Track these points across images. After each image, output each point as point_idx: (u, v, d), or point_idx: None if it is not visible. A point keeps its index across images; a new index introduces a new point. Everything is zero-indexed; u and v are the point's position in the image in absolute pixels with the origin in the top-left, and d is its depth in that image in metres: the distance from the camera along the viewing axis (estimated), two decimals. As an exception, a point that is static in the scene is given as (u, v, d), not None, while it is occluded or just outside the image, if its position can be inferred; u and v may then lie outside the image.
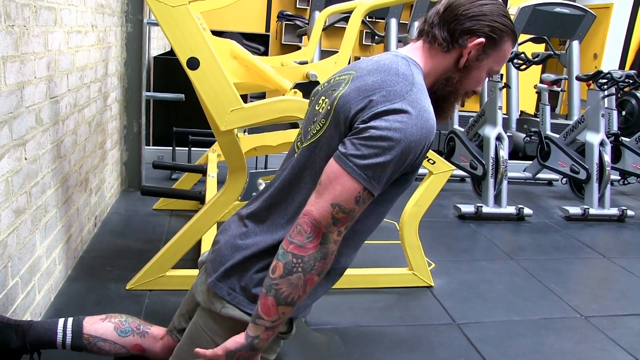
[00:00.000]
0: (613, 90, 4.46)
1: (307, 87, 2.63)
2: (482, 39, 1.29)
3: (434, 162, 2.83)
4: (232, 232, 1.45)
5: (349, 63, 2.96)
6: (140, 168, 4.23)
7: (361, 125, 1.19)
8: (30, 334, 1.77)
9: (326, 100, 1.33)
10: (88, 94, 3.05)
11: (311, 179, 1.28)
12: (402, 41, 6.49)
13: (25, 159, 2.14)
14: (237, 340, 1.28)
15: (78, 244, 2.95)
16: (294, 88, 2.64)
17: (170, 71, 5.17)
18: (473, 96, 1.44)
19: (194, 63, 2.38)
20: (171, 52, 6.37)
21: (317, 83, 2.70)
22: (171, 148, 4.82)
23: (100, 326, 1.78)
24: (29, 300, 2.22)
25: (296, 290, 1.20)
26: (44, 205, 2.38)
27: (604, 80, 4.31)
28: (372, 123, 1.17)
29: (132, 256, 3.03)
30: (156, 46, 5.58)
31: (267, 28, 8.31)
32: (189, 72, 2.41)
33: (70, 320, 1.79)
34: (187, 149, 4.76)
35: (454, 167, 2.89)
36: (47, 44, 2.35)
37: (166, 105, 5.14)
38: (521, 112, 7.07)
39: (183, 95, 4.43)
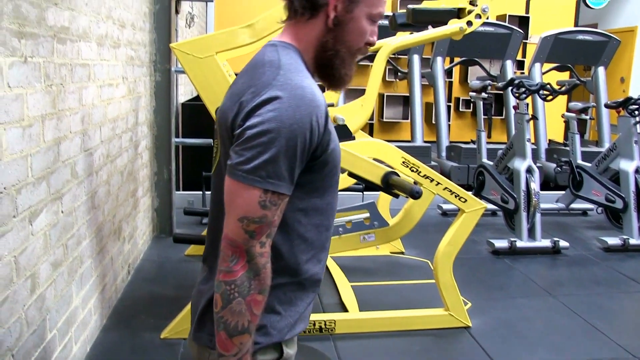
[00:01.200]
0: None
1: (335, 131, 2.64)
2: None
3: (465, 200, 2.80)
4: (199, 279, 1.43)
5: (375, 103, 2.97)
6: (171, 214, 4.28)
7: (238, 130, 1.13)
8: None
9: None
10: (120, 144, 3.11)
11: None
12: (425, 77, 6.53)
13: (62, 212, 2.18)
14: None
15: (112, 292, 2.97)
16: (321, 132, 2.65)
17: (198, 116, 5.25)
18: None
19: (223, 111, 2.41)
20: (198, 98, 6.50)
21: (345, 127, 2.71)
22: (201, 192, 4.86)
23: None
24: (66, 352, 2.22)
25: (242, 316, 1.13)
26: (80, 256, 2.41)
27: (635, 107, 4.25)
28: (246, 124, 1.12)
29: (166, 304, 3.03)
30: (183, 92, 5.71)
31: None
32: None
33: None
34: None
35: (485, 205, 2.86)
36: (82, 99, 2.41)
37: (195, 150, 5.22)
38: (549, 140, 6.99)
39: (212, 140, 4.49)
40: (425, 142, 6.66)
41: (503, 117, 8.13)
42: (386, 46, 2.85)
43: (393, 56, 7.38)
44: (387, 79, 8.44)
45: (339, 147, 1.28)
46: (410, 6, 2.93)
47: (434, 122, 7.06)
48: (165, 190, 4.23)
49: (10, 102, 1.73)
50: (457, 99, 8.76)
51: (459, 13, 2.92)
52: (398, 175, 2.59)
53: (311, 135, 1.13)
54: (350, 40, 1.25)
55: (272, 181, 1.10)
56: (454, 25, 2.81)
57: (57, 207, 2.12)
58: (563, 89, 4.21)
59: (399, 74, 6.79)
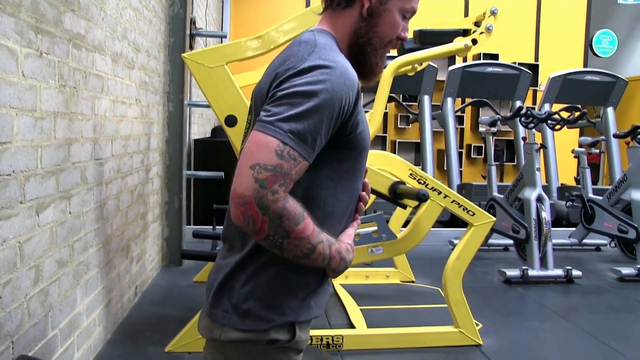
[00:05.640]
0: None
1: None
2: None
3: (474, 214, 2.79)
4: (218, 257, 1.42)
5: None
6: (181, 244, 4.28)
7: (270, 94, 1.17)
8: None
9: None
10: (131, 163, 3.16)
11: None
12: (437, 118, 6.61)
13: (70, 212, 2.21)
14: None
15: (118, 309, 2.94)
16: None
17: (210, 153, 5.33)
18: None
19: (231, 120, 2.47)
20: (212, 135, 6.61)
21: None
22: (211, 227, 4.87)
23: None
24: (67, 356, 2.19)
25: (300, 246, 1.14)
26: (86, 262, 2.41)
27: (643, 136, 4.26)
28: (279, 87, 1.15)
29: (172, 323, 2.98)
30: (196, 132, 5.81)
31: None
32: (227, 130, 2.50)
33: None
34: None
35: (494, 218, 2.83)
36: (94, 108, 2.48)
37: (206, 186, 5.27)
38: (561, 184, 6.97)
39: (222, 173, 4.54)
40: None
41: (515, 163, 8.15)
42: (393, 62, 2.91)
43: (405, 101, 7.52)
44: (398, 125, 8.57)
45: (368, 130, 1.31)
46: (416, 29, 3.03)
47: (445, 169, 7.09)
48: (175, 221, 4.25)
49: (23, 91, 1.80)
50: (469, 146, 8.82)
51: (464, 34, 3.00)
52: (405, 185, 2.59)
53: (340, 108, 1.15)
54: (382, 31, 1.31)
55: (292, 137, 1.09)
56: (460, 43, 2.88)
57: (65, 206, 2.15)
58: (571, 117, 4.24)
59: (410, 116, 6.87)
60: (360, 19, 1.30)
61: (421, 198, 2.32)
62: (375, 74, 1.36)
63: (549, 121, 4.24)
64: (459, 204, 2.77)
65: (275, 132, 1.08)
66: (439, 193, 2.74)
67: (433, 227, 2.81)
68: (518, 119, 4.25)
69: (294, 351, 1.34)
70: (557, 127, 4.31)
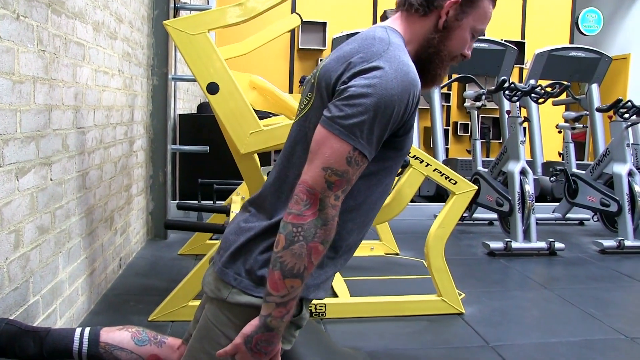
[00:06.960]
0: (635, 118, 4.40)
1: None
2: None
3: (456, 182, 2.81)
4: (236, 219, 1.44)
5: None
6: (165, 218, 4.26)
7: (342, 87, 1.20)
8: (47, 341, 1.75)
9: (312, 77, 1.37)
10: (114, 134, 3.14)
11: (303, 152, 1.27)
12: (422, 95, 6.60)
13: (51, 179, 2.19)
14: (252, 322, 1.25)
15: (102, 280, 2.95)
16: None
17: (196, 129, 5.29)
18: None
19: (213, 88, 2.45)
20: (197, 111, 6.56)
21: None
22: (196, 202, 4.86)
23: (117, 335, 1.75)
24: (49, 323, 2.19)
25: (300, 260, 1.16)
26: (68, 230, 2.41)
27: (625, 110, 4.29)
28: (351, 82, 1.19)
29: (156, 293, 2.99)
30: (182, 107, 5.77)
31: (290, 91, 8.55)
32: (209, 97, 2.48)
33: (87, 329, 1.78)
34: (212, 202, 4.80)
35: (475, 187, 2.86)
36: (76, 75, 2.46)
37: (191, 161, 5.24)
38: (546, 161, 7.02)
39: (208, 147, 4.52)
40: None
41: (500, 140, 8.19)
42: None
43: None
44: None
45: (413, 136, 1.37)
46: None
47: (432, 145, 7.10)
48: (160, 195, 4.24)
49: (0, 53, 1.77)
50: (455, 123, 8.84)
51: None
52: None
53: (404, 111, 1.21)
54: (452, 45, 1.36)
55: (362, 142, 1.17)
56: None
57: (45, 173, 2.14)
58: (554, 91, 4.25)
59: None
60: (434, 29, 1.34)
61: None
62: (436, 84, 1.42)
63: (532, 94, 4.26)
64: (441, 172, 2.79)
65: (348, 138, 1.16)
66: (421, 161, 2.76)
67: (418, 202, 2.83)
68: (502, 92, 4.26)
69: (294, 326, 1.38)
70: (541, 100, 4.33)
